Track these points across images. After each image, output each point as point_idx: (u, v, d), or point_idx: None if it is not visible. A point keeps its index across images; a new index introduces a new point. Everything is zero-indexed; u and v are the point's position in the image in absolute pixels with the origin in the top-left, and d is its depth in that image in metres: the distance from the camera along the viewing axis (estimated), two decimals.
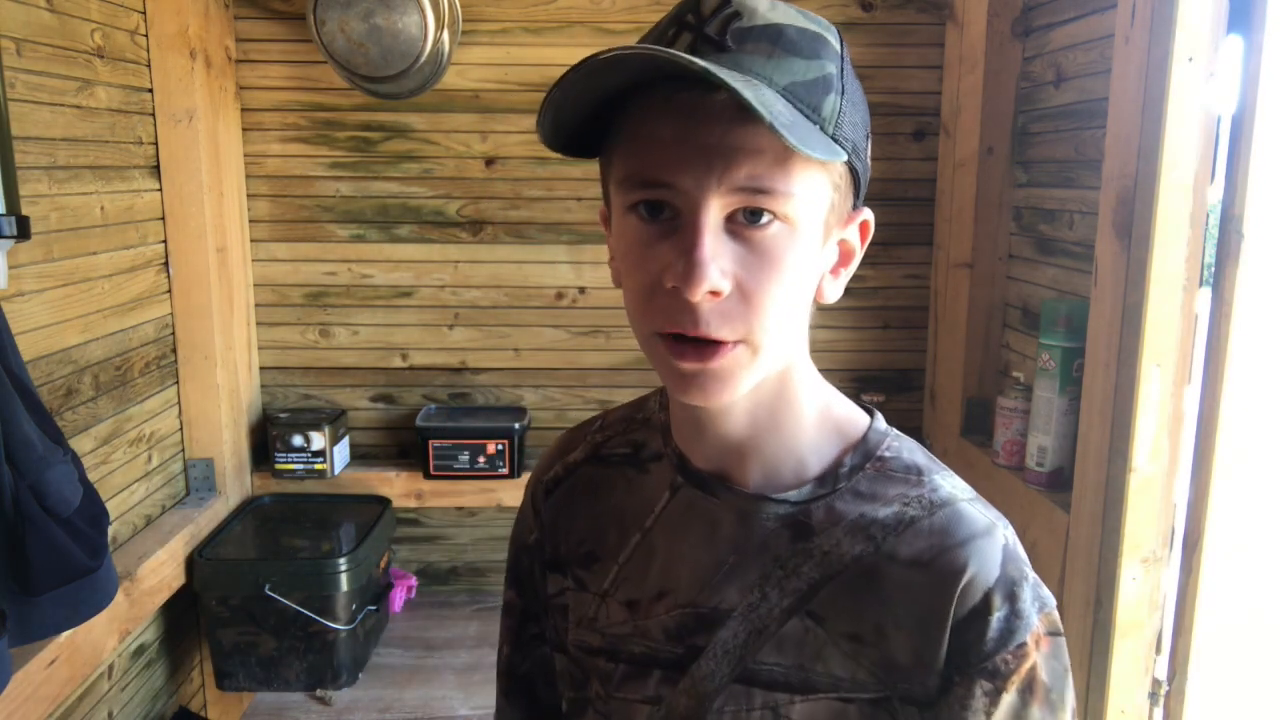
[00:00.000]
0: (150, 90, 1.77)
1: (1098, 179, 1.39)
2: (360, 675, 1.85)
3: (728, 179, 0.55)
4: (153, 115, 1.77)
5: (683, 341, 0.58)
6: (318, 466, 2.03)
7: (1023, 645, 0.62)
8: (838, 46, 0.60)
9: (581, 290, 2.09)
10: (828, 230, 0.61)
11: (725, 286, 0.57)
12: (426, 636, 2.01)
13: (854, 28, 2.00)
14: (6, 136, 1.23)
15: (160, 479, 1.83)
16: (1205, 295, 1.27)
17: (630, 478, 0.74)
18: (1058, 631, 0.65)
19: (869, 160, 0.63)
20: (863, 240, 0.66)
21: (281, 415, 2.06)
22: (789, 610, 0.65)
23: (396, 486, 2.08)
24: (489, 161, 2.04)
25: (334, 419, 2.05)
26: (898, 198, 2.08)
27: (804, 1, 2.01)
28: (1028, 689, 0.62)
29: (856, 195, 0.63)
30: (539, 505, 0.80)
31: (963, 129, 1.90)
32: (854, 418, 0.70)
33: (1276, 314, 1.23)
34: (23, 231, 1.23)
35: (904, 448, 0.69)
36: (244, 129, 2.01)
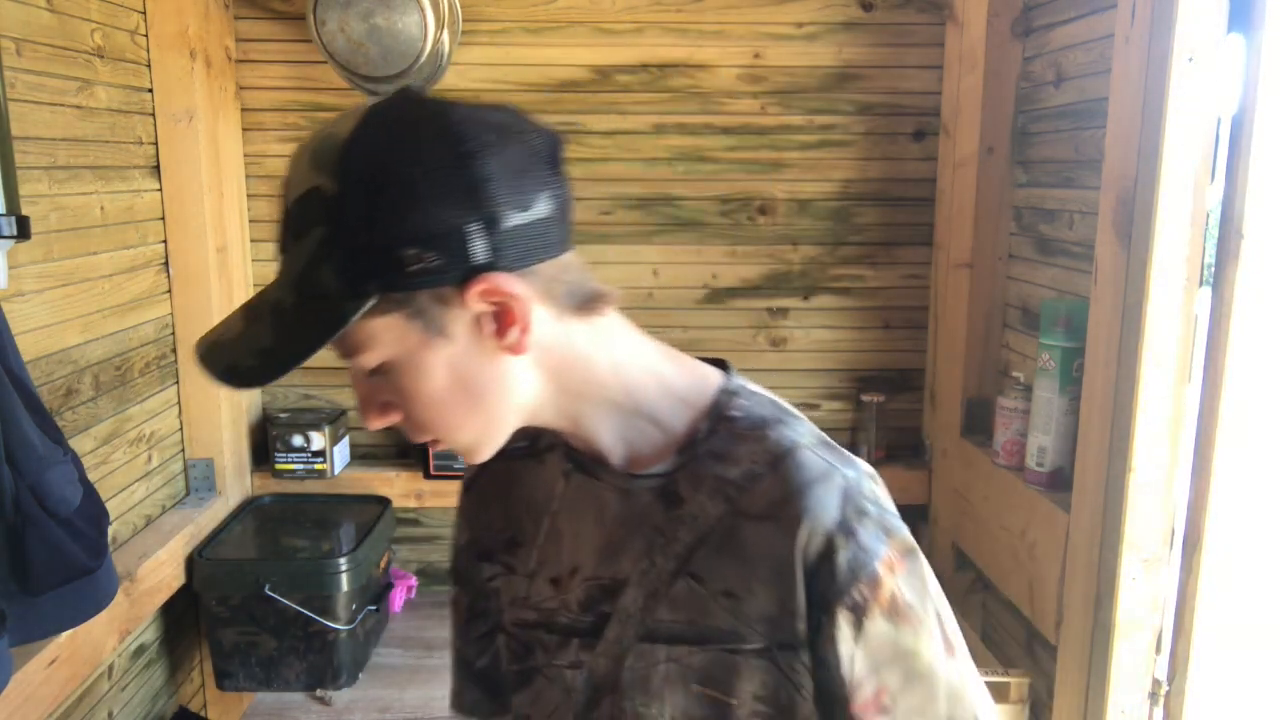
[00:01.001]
0: (150, 90, 1.77)
1: (1098, 179, 1.39)
2: (360, 675, 1.85)
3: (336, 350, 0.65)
4: (153, 115, 1.77)
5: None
6: (318, 466, 2.03)
7: (875, 574, 0.66)
8: (330, 190, 0.62)
9: None
10: (437, 329, 0.64)
11: (389, 418, 0.69)
12: (426, 636, 2.01)
13: (854, 28, 2.00)
14: (6, 136, 1.23)
15: (160, 479, 1.83)
16: (1205, 295, 1.27)
17: (531, 468, 0.81)
18: (909, 551, 0.69)
19: (438, 240, 0.61)
20: (509, 294, 0.64)
21: (281, 415, 2.06)
22: (674, 573, 0.71)
23: (396, 486, 2.08)
24: None
25: (334, 419, 2.05)
26: (898, 198, 2.08)
27: (807, 1, 2.02)
28: (892, 612, 0.67)
29: (454, 274, 0.62)
30: (463, 505, 0.89)
31: (963, 129, 1.90)
32: (699, 386, 0.74)
33: (1276, 314, 1.23)
34: (23, 231, 1.22)
35: (752, 405, 0.73)
36: (244, 129, 2.01)
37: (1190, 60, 1.21)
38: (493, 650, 0.87)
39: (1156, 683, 1.35)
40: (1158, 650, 1.35)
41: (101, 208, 1.60)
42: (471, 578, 0.87)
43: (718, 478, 0.70)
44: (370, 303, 0.62)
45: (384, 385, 0.67)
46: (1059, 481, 1.56)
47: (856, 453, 2.24)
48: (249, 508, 2.00)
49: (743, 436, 0.71)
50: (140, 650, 1.74)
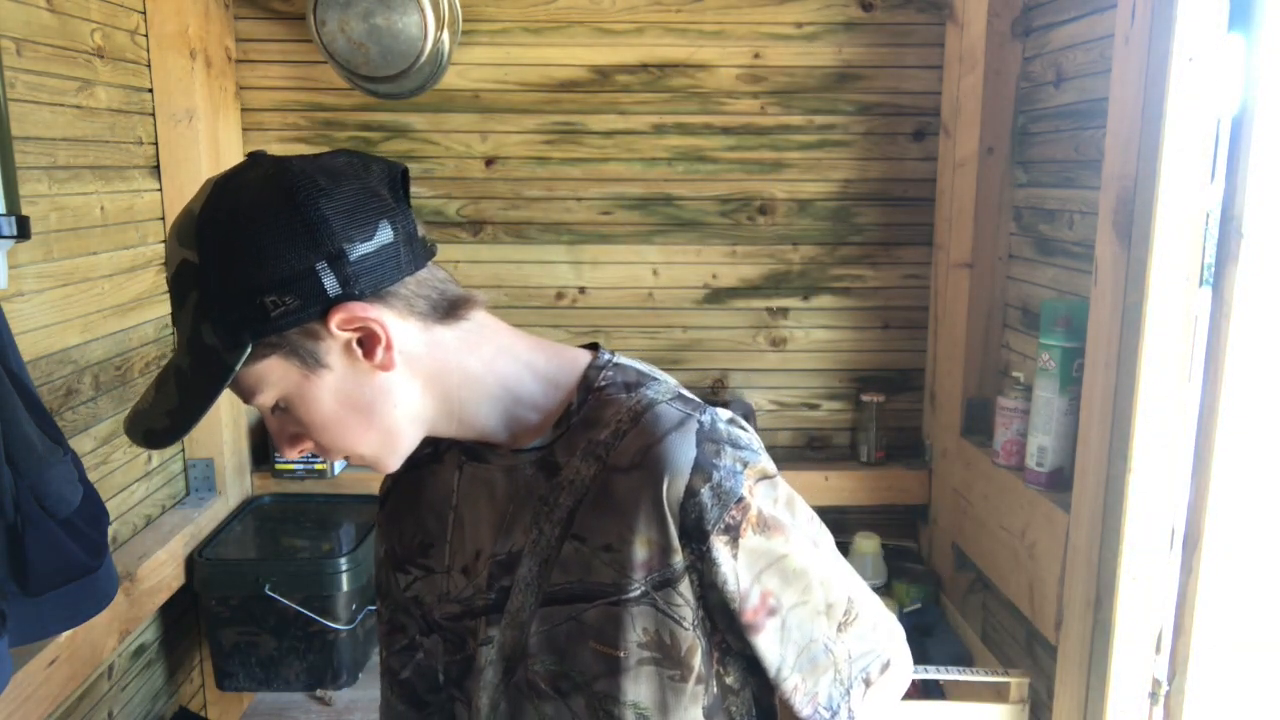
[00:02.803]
0: (150, 90, 1.77)
1: (1098, 179, 1.39)
2: (360, 675, 1.85)
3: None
4: (153, 115, 1.77)
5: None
6: (318, 466, 2.03)
7: (741, 499, 0.73)
8: (192, 260, 0.70)
9: (581, 290, 2.10)
10: (314, 360, 0.72)
11: (301, 446, 0.77)
12: None
13: (854, 28, 2.00)
14: (6, 136, 1.23)
15: (160, 479, 1.83)
16: (1205, 295, 1.26)
17: (434, 471, 0.88)
18: (767, 475, 0.77)
19: (294, 283, 0.69)
20: (367, 317, 0.71)
21: None
22: (560, 537, 0.78)
23: None
24: (489, 161, 2.04)
25: None
26: (898, 198, 2.08)
27: (807, 1, 2.02)
28: (761, 526, 0.74)
29: (315, 310, 0.70)
30: (379, 519, 0.94)
31: (963, 129, 1.90)
32: (568, 367, 0.81)
33: (1276, 314, 1.23)
34: (23, 231, 1.22)
35: (618, 373, 0.80)
36: (244, 129, 2.01)
37: (1190, 60, 1.21)
38: (413, 663, 0.92)
39: (1156, 683, 1.35)
40: (1158, 650, 1.35)
41: (101, 208, 1.60)
42: (389, 591, 0.93)
43: (590, 441, 0.77)
44: (247, 350, 0.70)
45: (287, 419, 0.75)
46: (1059, 481, 1.56)
47: (857, 452, 2.22)
48: (249, 508, 2.00)
49: (608, 401, 0.78)
50: (140, 650, 1.74)
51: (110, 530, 1.44)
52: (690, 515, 0.73)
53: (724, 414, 0.78)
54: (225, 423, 1.93)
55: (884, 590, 2.00)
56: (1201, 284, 1.26)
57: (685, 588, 0.75)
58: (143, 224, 1.75)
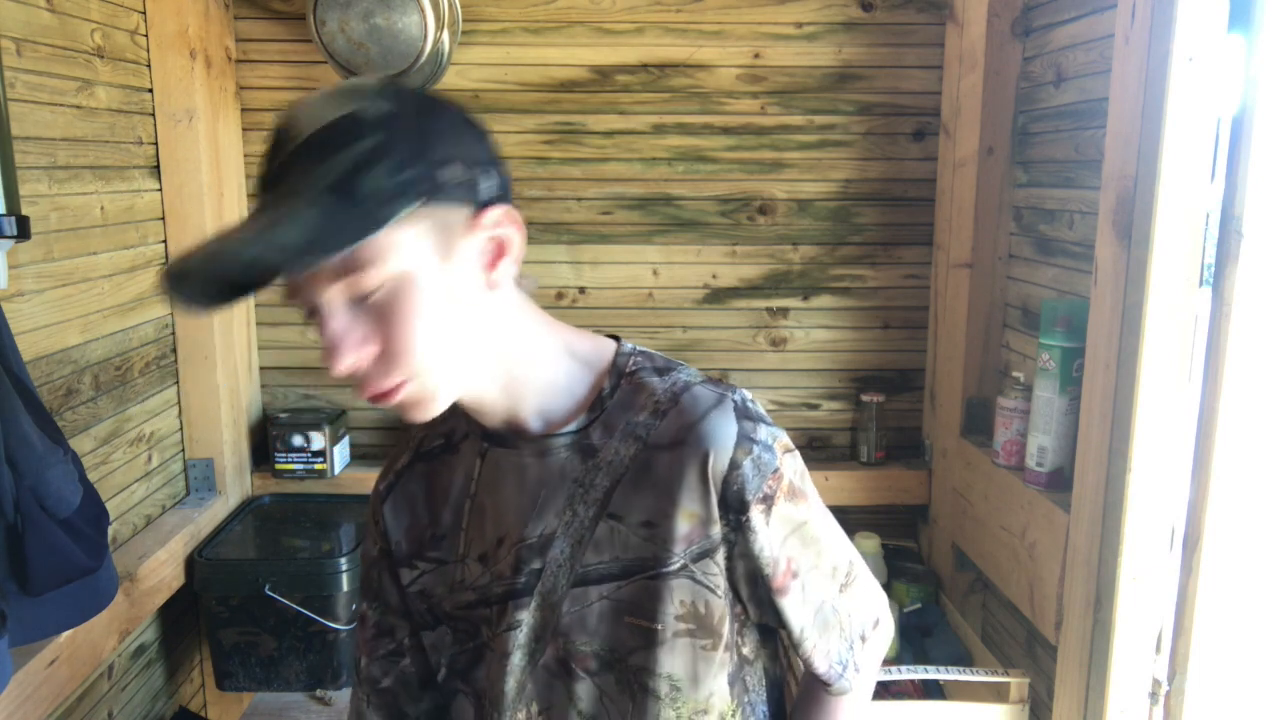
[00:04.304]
0: (150, 90, 1.77)
1: (1098, 179, 1.39)
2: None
3: (319, 276, 0.67)
4: (153, 115, 1.77)
5: (375, 396, 0.71)
6: (318, 466, 2.03)
7: (777, 469, 0.78)
8: (380, 111, 0.67)
9: (581, 290, 2.10)
10: (448, 251, 0.70)
11: (364, 355, 0.69)
12: None
13: (854, 28, 2.00)
14: (6, 136, 1.23)
15: (160, 479, 1.83)
16: (1205, 295, 1.26)
17: (448, 461, 0.87)
18: (790, 448, 0.81)
19: (467, 173, 0.70)
20: (511, 226, 0.74)
21: (281, 415, 2.06)
22: (595, 518, 0.79)
23: None
24: None
25: (334, 419, 2.05)
26: (898, 198, 2.08)
27: (807, 1, 2.02)
28: (790, 494, 0.80)
29: (473, 201, 0.71)
30: (378, 515, 0.91)
31: (963, 129, 1.90)
32: (600, 349, 0.83)
33: (1276, 314, 1.23)
34: (23, 231, 1.22)
35: (646, 360, 0.83)
36: (244, 129, 2.01)
37: (1190, 60, 1.21)
38: (396, 670, 0.91)
39: (1156, 683, 1.35)
40: (1158, 650, 1.35)
41: (101, 208, 1.60)
42: (380, 592, 0.91)
43: (628, 423, 0.79)
44: (413, 206, 0.66)
45: (364, 316, 0.68)
46: (1059, 481, 1.56)
47: (857, 452, 2.23)
48: (249, 508, 2.00)
49: (644, 386, 0.80)
50: (140, 650, 1.74)
51: (110, 530, 1.44)
52: (732, 487, 0.76)
53: (746, 391, 0.82)
54: (225, 423, 1.93)
55: (884, 590, 2.00)
56: (1201, 284, 1.26)
57: (720, 557, 0.78)
58: (143, 224, 1.75)
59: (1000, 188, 1.87)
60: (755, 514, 0.77)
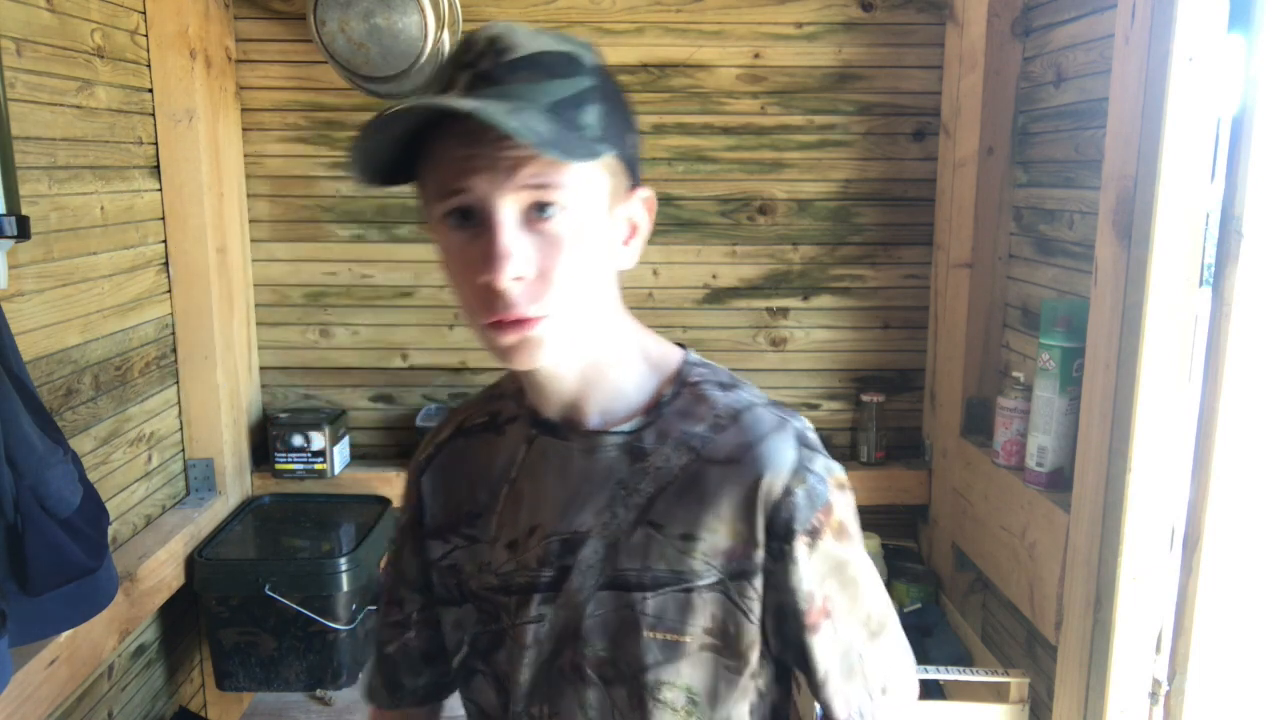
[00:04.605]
0: (150, 90, 1.77)
1: (1098, 179, 1.39)
2: (360, 675, 1.85)
3: (514, 179, 0.67)
4: (153, 115, 1.77)
5: (503, 323, 0.70)
6: (318, 466, 2.03)
7: (828, 504, 0.76)
8: (593, 62, 0.72)
9: None
10: (608, 210, 0.73)
11: (527, 271, 0.69)
12: None
13: (854, 28, 2.00)
14: (6, 136, 1.24)
15: (160, 479, 1.83)
16: (1205, 295, 1.26)
17: (490, 441, 0.86)
18: (844, 485, 0.79)
19: (637, 149, 0.76)
20: (648, 214, 0.78)
21: (281, 415, 2.06)
22: (634, 523, 0.78)
23: (396, 486, 2.08)
24: None
25: (334, 419, 2.05)
26: (898, 198, 2.08)
27: (807, 1, 2.02)
28: (838, 532, 0.78)
29: (632, 177, 0.75)
30: (414, 487, 0.91)
31: (963, 129, 1.90)
32: (668, 355, 0.83)
33: (1276, 314, 1.23)
34: (23, 231, 1.23)
35: (711, 373, 0.82)
36: (244, 129, 2.01)
37: (1190, 60, 1.21)
38: (399, 641, 0.92)
39: (1156, 683, 1.35)
40: (1158, 650, 1.35)
41: (101, 208, 1.60)
42: (399, 561, 0.92)
43: (684, 432, 0.78)
44: (612, 153, 0.71)
45: (531, 239, 0.69)
46: (1059, 481, 1.56)
47: (856, 453, 2.23)
48: (249, 508, 2.00)
49: (705, 398, 0.80)
50: (140, 650, 1.74)
51: (110, 530, 1.44)
52: (782, 514, 0.75)
53: (806, 420, 0.81)
54: (225, 423, 1.93)
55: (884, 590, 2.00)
56: (1201, 284, 1.26)
57: (758, 583, 0.77)
58: (143, 224, 1.75)
59: (1000, 188, 1.87)
60: (799, 545, 0.75)
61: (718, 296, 2.11)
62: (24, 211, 1.28)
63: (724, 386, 0.81)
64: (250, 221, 2.05)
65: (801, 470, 0.76)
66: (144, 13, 1.74)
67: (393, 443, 2.16)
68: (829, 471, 0.78)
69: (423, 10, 1.77)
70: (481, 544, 0.85)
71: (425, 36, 1.79)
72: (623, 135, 0.73)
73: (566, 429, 0.81)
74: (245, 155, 2.02)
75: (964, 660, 1.77)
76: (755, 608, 0.77)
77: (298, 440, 2.02)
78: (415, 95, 0.69)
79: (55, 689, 1.36)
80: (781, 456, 0.76)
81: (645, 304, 2.10)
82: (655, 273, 2.09)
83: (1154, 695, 1.36)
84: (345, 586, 1.78)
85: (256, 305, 2.09)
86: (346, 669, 1.81)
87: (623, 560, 0.78)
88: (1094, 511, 1.38)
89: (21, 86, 1.39)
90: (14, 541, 1.18)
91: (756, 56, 2.01)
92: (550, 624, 0.80)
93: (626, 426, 0.79)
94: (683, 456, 0.78)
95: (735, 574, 0.76)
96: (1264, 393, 1.24)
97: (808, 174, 2.06)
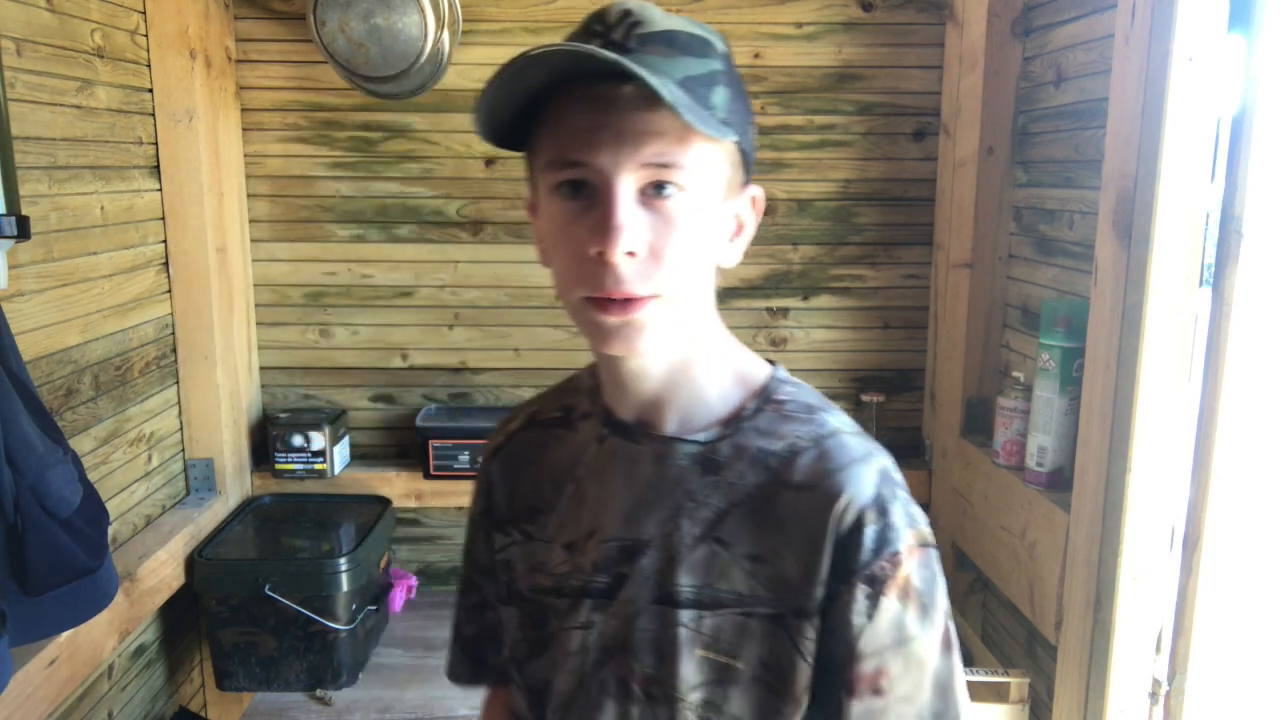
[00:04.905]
0: (150, 90, 1.77)
1: (1098, 179, 1.39)
2: (360, 675, 1.85)
3: (637, 155, 0.65)
4: (153, 115, 1.77)
5: (608, 301, 0.68)
6: (318, 466, 2.03)
7: (896, 553, 0.70)
8: (723, 49, 0.71)
9: None
10: (722, 200, 0.71)
11: (640, 248, 0.66)
12: (426, 636, 2.01)
13: (854, 28, 2.00)
14: (6, 136, 1.23)
15: (160, 479, 1.83)
16: (1205, 295, 1.26)
17: (561, 436, 0.84)
18: (928, 544, 0.73)
19: (753, 145, 0.74)
20: (755, 213, 0.76)
21: (281, 415, 2.06)
22: (699, 537, 0.74)
23: (396, 486, 2.08)
24: (489, 161, 2.04)
25: (334, 419, 2.05)
26: (898, 198, 2.08)
27: (807, 1, 2.01)
28: (904, 593, 0.70)
29: (746, 172, 0.74)
30: (485, 474, 0.90)
31: (963, 129, 1.90)
32: (755, 368, 0.80)
33: (1276, 314, 1.23)
34: (23, 231, 1.22)
35: (799, 392, 0.79)
36: (244, 129, 2.01)
37: (1190, 60, 1.21)
38: (479, 620, 0.91)
39: (1156, 683, 1.35)
40: (1158, 650, 1.35)
41: (101, 208, 1.60)
42: (473, 550, 0.90)
43: (761, 449, 0.74)
44: (736, 138, 0.69)
45: (647, 216, 0.67)
46: (1059, 481, 1.56)
47: None
48: (249, 508, 2.00)
49: (789, 418, 0.76)
50: (140, 650, 1.75)
51: (110, 530, 1.44)
52: (847, 549, 0.70)
53: (893, 463, 0.76)
54: (225, 423, 1.93)
55: None
56: (1201, 284, 1.26)
57: (817, 624, 0.71)
58: (143, 224, 1.75)
59: (1000, 188, 1.87)
60: (858, 593, 0.69)
61: (718, 296, 2.10)
62: (24, 211, 1.28)
63: (810, 408, 0.77)
64: (250, 221, 2.05)
65: (877, 508, 0.70)
66: (144, 13, 1.74)
67: (393, 443, 2.16)
68: (909, 521, 0.71)
69: (423, 10, 1.77)
70: (537, 542, 0.82)
71: (425, 36, 1.79)
72: (746, 125, 0.72)
73: (640, 432, 0.77)
74: (245, 155, 2.02)
75: (964, 660, 1.77)
76: (811, 649, 0.71)
77: (298, 440, 2.02)
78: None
79: (55, 689, 1.36)
80: (860, 490, 0.70)
81: None
82: None
83: (1154, 695, 1.36)
84: (345, 586, 1.78)
85: (256, 305, 2.09)
86: (346, 669, 1.81)
87: (682, 575, 0.73)
88: (1094, 511, 1.38)
89: (21, 86, 1.39)
90: (14, 541, 1.18)
91: (756, 56, 2.01)
92: (599, 632, 0.76)
93: (702, 436, 0.75)
94: (758, 475, 0.73)
95: (797, 611, 0.71)
96: (1264, 393, 1.24)
97: (808, 174, 2.06)
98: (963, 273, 1.93)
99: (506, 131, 0.70)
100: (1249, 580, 1.30)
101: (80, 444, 1.53)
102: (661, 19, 0.68)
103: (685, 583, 0.73)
